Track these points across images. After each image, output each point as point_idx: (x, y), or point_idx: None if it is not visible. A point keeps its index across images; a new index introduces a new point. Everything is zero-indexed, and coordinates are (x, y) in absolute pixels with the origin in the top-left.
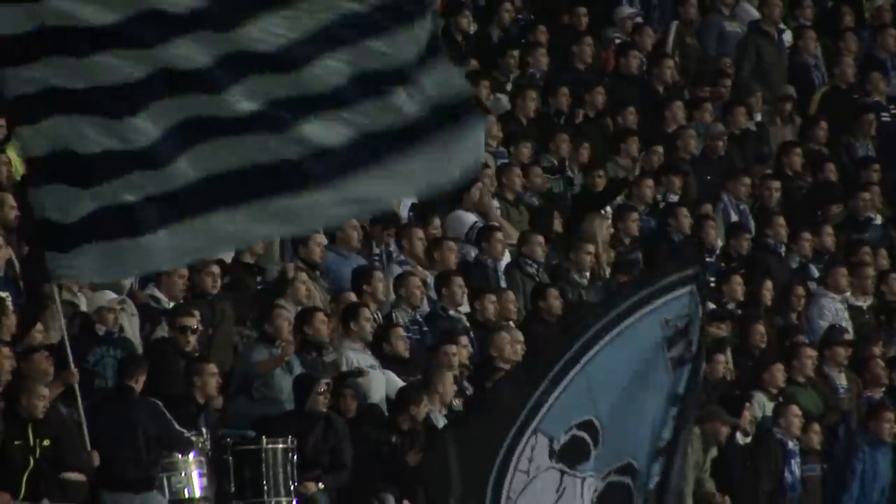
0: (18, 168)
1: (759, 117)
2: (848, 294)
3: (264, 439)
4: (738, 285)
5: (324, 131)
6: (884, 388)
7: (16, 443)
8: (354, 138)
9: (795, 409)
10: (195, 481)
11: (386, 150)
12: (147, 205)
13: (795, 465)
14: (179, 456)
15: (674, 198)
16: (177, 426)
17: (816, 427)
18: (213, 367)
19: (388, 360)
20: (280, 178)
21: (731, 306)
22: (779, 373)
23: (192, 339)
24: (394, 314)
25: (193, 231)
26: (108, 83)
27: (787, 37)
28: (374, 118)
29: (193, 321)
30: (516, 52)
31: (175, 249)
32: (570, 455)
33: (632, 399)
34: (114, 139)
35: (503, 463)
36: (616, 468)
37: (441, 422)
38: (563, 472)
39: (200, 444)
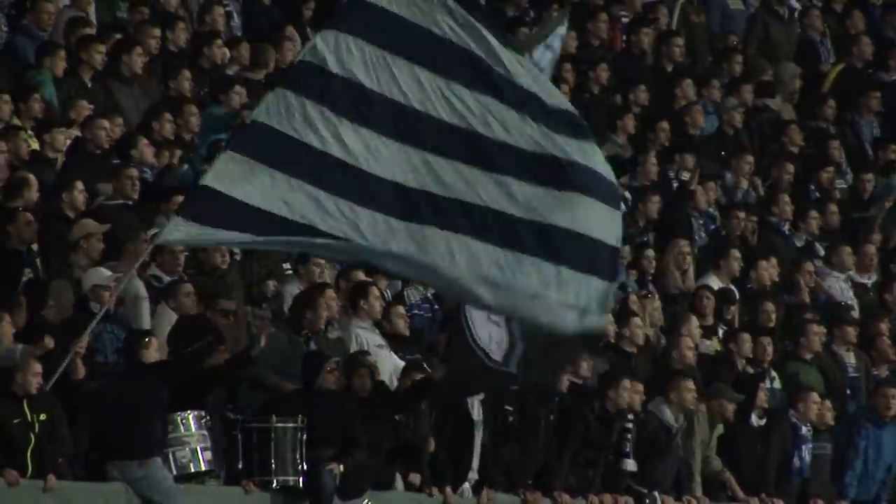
0: (32, 144)
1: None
2: (853, 272)
3: (274, 417)
4: (764, 270)
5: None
6: (888, 366)
7: (15, 421)
8: None
9: (815, 397)
10: (200, 456)
11: None
12: None
13: (806, 450)
14: (183, 430)
15: (685, 175)
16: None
17: (828, 404)
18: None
19: (388, 339)
20: None
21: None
22: (769, 346)
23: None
24: (406, 293)
25: None
26: None
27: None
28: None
29: (234, 304)
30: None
31: None
32: None
33: None
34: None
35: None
36: None
37: None
38: None
39: (204, 421)
